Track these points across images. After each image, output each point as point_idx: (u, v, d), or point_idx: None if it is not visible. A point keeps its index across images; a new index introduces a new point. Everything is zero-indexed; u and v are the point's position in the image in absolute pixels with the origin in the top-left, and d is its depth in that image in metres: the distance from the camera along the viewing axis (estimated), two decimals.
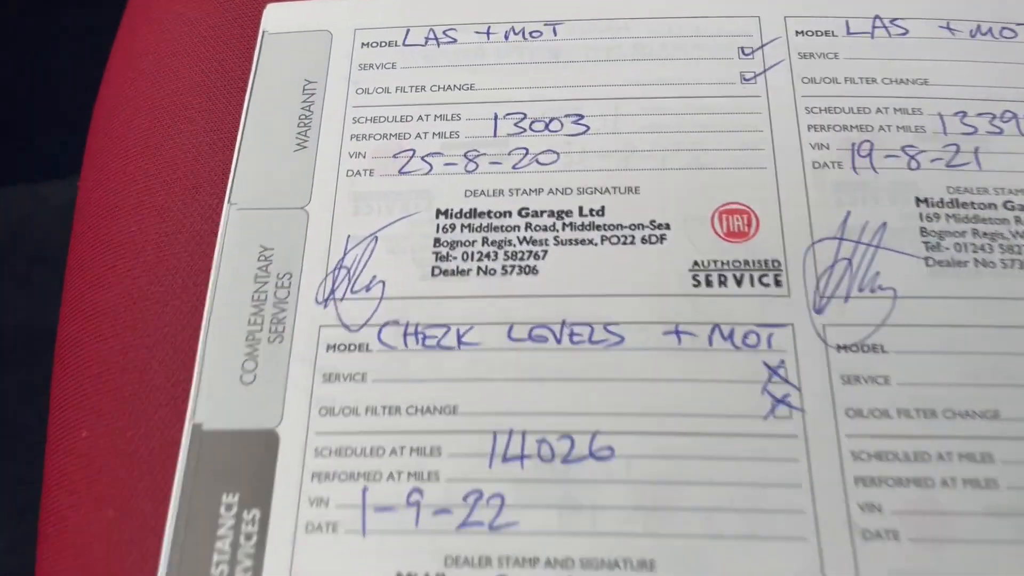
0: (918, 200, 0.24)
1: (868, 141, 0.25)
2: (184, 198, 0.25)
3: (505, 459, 0.21)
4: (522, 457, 0.21)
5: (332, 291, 0.23)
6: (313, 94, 0.26)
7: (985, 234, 0.23)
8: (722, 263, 0.23)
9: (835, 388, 0.22)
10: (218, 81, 0.27)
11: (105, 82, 0.29)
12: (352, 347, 0.23)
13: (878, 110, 0.25)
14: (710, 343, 0.22)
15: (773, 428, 0.21)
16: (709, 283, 0.23)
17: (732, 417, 0.22)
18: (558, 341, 0.23)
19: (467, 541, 0.20)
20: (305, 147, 0.26)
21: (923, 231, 0.24)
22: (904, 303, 0.23)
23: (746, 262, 0.23)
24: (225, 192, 0.25)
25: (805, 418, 0.21)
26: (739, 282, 0.23)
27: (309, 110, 0.26)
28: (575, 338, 0.23)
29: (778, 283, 0.23)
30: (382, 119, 0.26)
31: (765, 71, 0.26)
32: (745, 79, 0.26)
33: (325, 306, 0.23)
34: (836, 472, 0.21)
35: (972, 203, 0.24)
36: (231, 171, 0.25)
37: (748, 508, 0.20)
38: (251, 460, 0.21)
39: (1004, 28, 0.27)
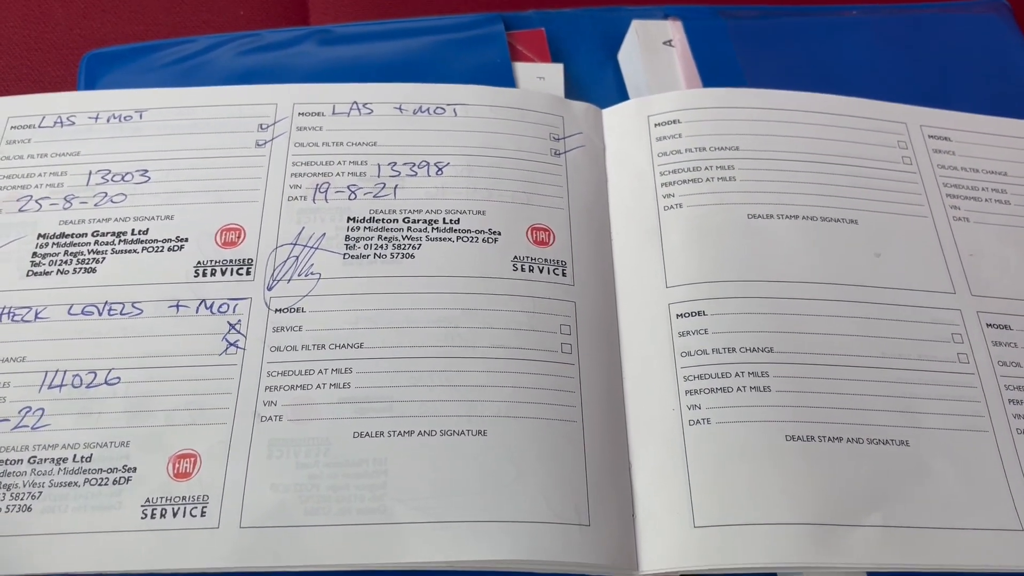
0: (349, 218, 0.37)
1: (327, 182, 0.38)
2: None
3: (50, 387, 0.34)
4: (61, 385, 0.34)
5: None
6: None
7: (385, 238, 0.37)
8: (218, 262, 0.36)
9: (267, 334, 0.35)
10: None
11: None
12: None
13: (338, 162, 0.39)
14: (197, 311, 0.35)
15: (223, 360, 0.34)
16: (205, 275, 0.36)
17: (197, 355, 0.34)
18: (100, 314, 0.35)
19: (19, 436, 0.32)
20: None
21: (347, 238, 0.37)
22: (324, 282, 0.36)
23: (232, 261, 0.36)
24: None
25: (244, 355, 0.34)
26: (224, 273, 0.36)
27: None
28: (112, 311, 0.35)
29: (248, 273, 0.36)
30: None
31: (273, 139, 0.39)
32: (259, 144, 0.39)
33: None
34: (255, 382, 0.33)
35: (383, 219, 0.37)
36: None
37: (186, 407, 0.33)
38: None
39: (437, 107, 0.41)
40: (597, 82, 0.44)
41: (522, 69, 0.44)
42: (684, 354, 0.34)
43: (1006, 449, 0.34)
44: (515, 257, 0.37)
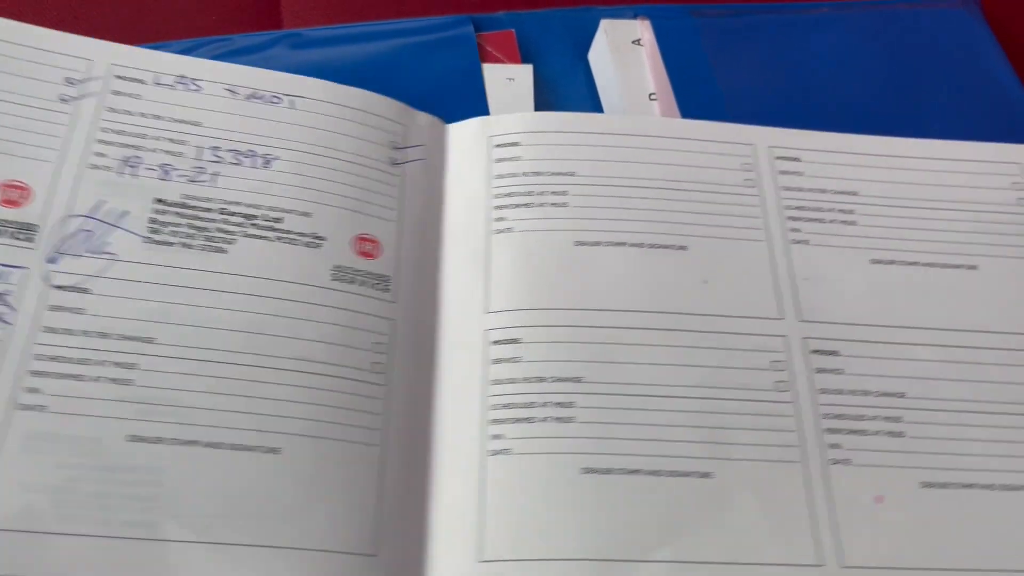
0: (157, 200, 0.34)
1: (138, 156, 0.35)
2: None
3: None
4: None
5: None
6: None
7: (196, 227, 0.34)
8: None
9: (42, 312, 0.31)
10: None
11: None
12: None
13: (154, 137, 0.36)
14: None
15: None
16: None
17: None
18: None
19: None
20: None
21: (152, 220, 0.34)
22: (120, 265, 0.33)
23: (11, 222, 0.33)
24: None
25: (12, 331, 0.31)
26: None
27: None
28: None
29: (30, 240, 0.32)
30: None
31: (81, 98, 0.36)
32: (63, 99, 0.36)
33: None
34: (18, 364, 0.30)
35: (196, 207, 0.35)
36: None
37: None
38: None
39: (273, 95, 0.38)
40: (567, 82, 0.44)
41: (491, 71, 0.43)
42: (495, 382, 0.33)
43: (815, 481, 0.33)
44: (336, 266, 0.35)
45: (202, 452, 0.30)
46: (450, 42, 0.44)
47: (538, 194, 0.38)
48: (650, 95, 0.44)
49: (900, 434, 0.34)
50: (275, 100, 0.38)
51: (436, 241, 0.37)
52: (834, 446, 0.34)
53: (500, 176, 0.38)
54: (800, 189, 0.40)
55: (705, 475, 0.32)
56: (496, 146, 0.39)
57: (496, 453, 0.32)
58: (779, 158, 0.40)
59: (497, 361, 0.34)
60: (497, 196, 0.38)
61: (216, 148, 0.36)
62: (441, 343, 0.35)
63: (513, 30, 0.45)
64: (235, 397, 0.31)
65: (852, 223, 0.39)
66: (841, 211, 0.39)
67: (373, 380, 0.33)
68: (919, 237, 0.39)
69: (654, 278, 0.36)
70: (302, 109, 0.38)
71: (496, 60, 0.44)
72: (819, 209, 0.39)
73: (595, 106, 0.44)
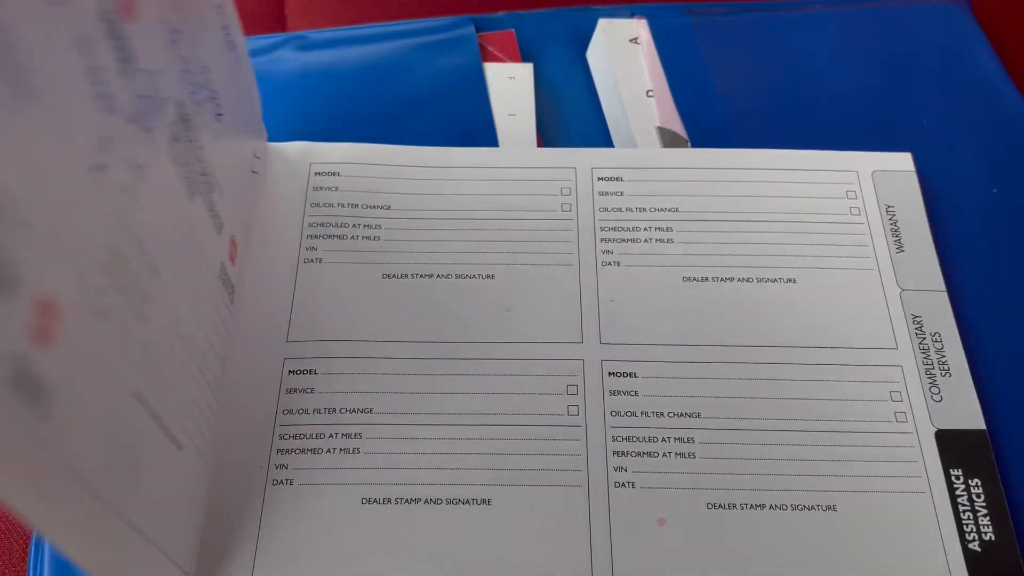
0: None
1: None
2: None
3: None
4: None
5: None
6: None
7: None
8: None
9: None
10: None
11: None
12: None
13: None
14: None
15: None
16: None
17: None
18: None
19: None
20: None
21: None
22: None
23: None
24: None
25: None
26: None
27: None
28: None
29: None
30: None
31: None
32: None
33: None
34: None
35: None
36: None
37: None
38: None
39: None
40: (567, 80, 0.46)
41: (492, 69, 0.45)
42: (286, 412, 0.35)
43: (597, 504, 0.34)
44: (221, 263, 0.34)
45: None
46: (452, 42, 0.46)
47: (352, 226, 0.39)
48: (647, 92, 0.45)
49: (691, 455, 0.36)
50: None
51: (253, 262, 0.38)
52: (619, 469, 0.35)
53: (316, 205, 0.40)
54: (619, 209, 0.41)
55: (485, 502, 0.35)
56: (316, 174, 0.40)
57: (279, 483, 0.34)
58: (601, 179, 0.41)
59: (291, 391, 0.36)
60: (311, 225, 0.39)
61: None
62: (246, 368, 0.36)
63: (513, 30, 0.47)
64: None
65: (669, 241, 0.40)
66: (659, 229, 0.40)
67: (214, 393, 0.34)
68: (738, 252, 0.40)
69: (458, 308, 0.38)
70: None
71: (497, 59, 0.46)
72: (636, 229, 0.40)
73: (594, 103, 0.45)
